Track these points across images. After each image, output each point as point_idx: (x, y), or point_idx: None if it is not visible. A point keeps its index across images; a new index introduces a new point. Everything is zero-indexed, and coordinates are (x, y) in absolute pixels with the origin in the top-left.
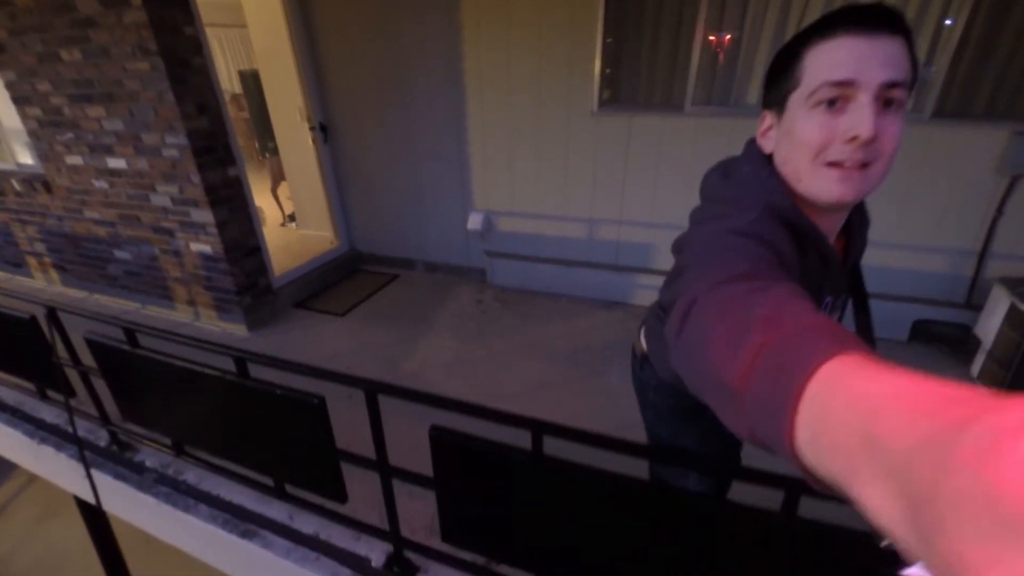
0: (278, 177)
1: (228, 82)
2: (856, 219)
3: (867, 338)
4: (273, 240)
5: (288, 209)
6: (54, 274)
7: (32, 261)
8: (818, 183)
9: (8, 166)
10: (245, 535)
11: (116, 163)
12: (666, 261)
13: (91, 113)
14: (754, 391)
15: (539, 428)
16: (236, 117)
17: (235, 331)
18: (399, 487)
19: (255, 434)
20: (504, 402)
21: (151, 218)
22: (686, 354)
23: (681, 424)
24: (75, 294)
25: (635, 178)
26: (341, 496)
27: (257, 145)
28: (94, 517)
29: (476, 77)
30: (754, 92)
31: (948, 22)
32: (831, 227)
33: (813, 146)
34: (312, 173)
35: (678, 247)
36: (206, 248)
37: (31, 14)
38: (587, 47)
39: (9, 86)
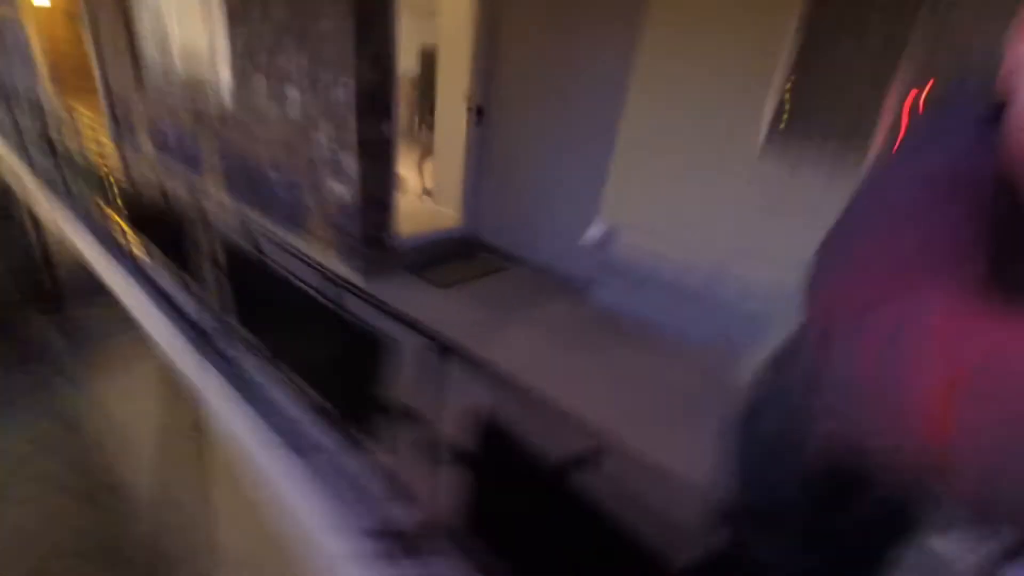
0: (427, 152)
1: (409, 62)
2: None
3: None
4: (405, 207)
5: (429, 184)
6: (221, 182)
7: (207, 169)
8: None
9: (207, 78)
10: (297, 452)
11: (292, 94)
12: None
13: (285, 44)
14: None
15: (601, 445)
16: (407, 95)
17: (351, 276)
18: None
19: (329, 358)
20: None
21: (308, 150)
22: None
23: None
24: (232, 205)
25: (785, 223)
26: (385, 444)
27: (416, 118)
28: (183, 395)
29: (642, 83)
30: None
31: None
32: None
33: None
34: (458, 153)
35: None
36: (345, 193)
37: None
38: (768, 73)
39: (228, 7)
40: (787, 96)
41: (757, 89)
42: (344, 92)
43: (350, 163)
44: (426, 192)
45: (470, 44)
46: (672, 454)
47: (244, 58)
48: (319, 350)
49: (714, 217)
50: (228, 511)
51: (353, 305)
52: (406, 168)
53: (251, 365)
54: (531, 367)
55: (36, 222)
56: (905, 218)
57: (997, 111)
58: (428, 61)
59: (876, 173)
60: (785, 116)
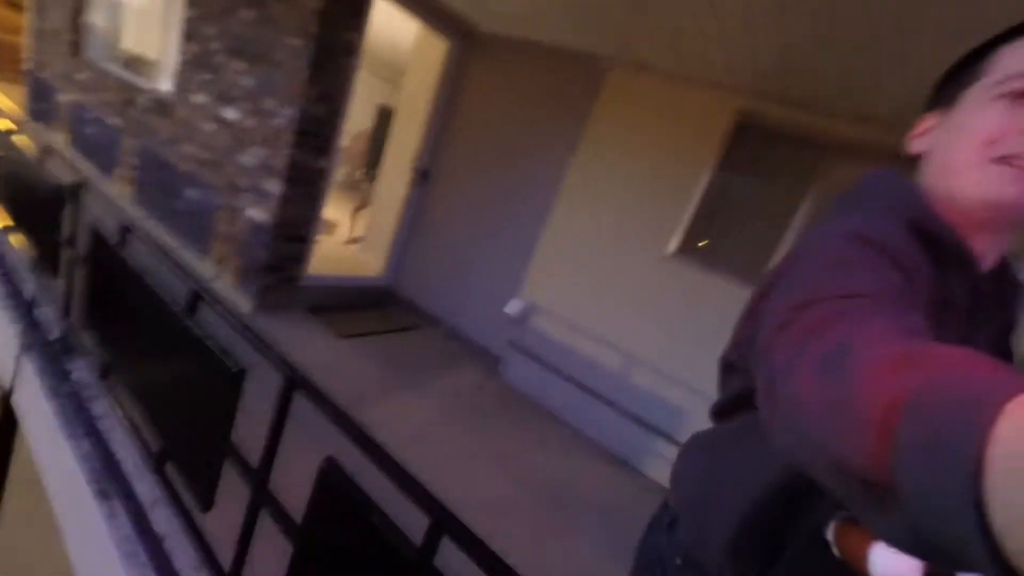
0: (364, 202)
1: (366, 119)
2: (1009, 277)
3: None
4: (329, 250)
5: (359, 232)
6: (129, 188)
7: (121, 171)
8: (979, 178)
9: (148, 84)
10: (100, 495)
11: (230, 114)
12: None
13: (235, 65)
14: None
15: (443, 521)
16: (359, 148)
17: (241, 304)
18: (267, 544)
19: (170, 385)
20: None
21: (232, 171)
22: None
23: None
24: (136, 213)
25: (692, 337)
26: (208, 497)
27: (363, 169)
28: (4, 403)
29: (576, 179)
30: None
31: None
32: (982, 252)
33: (983, 136)
34: (394, 207)
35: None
36: (260, 216)
37: None
38: (689, 188)
39: (187, 21)
40: (699, 215)
41: (677, 204)
42: (286, 119)
43: (273, 188)
44: (353, 240)
45: (426, 112)
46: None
47: (189, 73)
48: (163, 373)
49: (623, 316)
50: None
51: (214, 326)
52: (341, 214)
53: (86, 383)
54: (417, 436)
55: None
56: (838, 264)
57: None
58: (384, 118)
59: (810, 233)
60: (691, 239)
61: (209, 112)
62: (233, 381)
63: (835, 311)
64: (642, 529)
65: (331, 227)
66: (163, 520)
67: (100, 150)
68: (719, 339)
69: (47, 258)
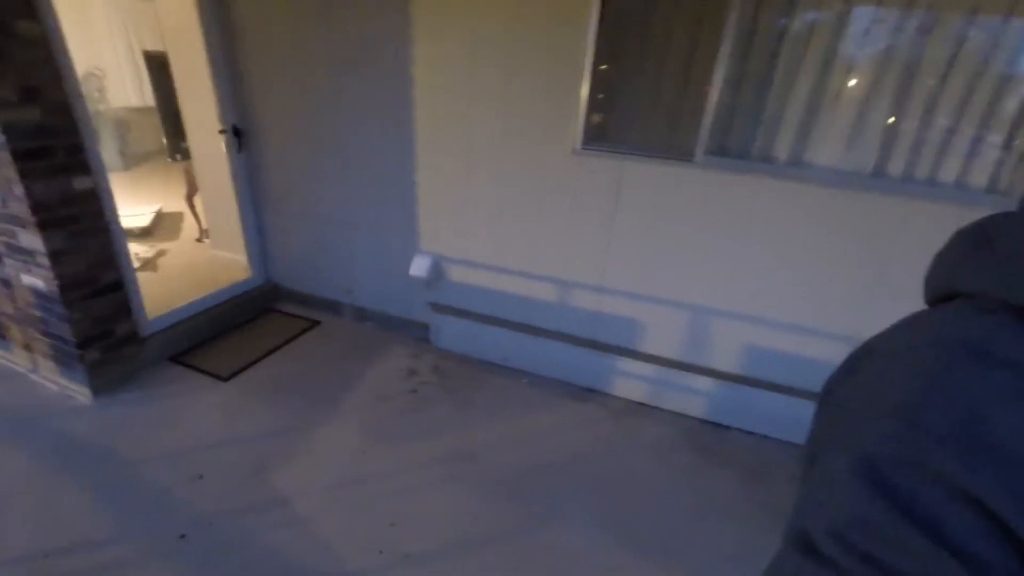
0: (193, 187)
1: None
2: None
3: None
4: (180, 258)
5: (206, 224)
6: None
7: None
8: None
9: None
10: None
11: None
12: (654, 343)
13: None
14: None
15: None
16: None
17: (77, 394)
18: None
19: None
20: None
21: None
22: None
23: None
24: None
25: (623, 238)
26: None
27: (167, 144)
28: None
29: (426, 86)
30: (784, 144)
31: None
32: None
33: None
34: (225, 184)
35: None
36: (39, 283)
37: None
38: (572, 66)
39: None
40: (594, 105)
41: (562, 84)
42: None
43: (34, 243)
44: (204, 235)
45: (205, 50)
46: None
47: None
48: None
49: (539, 238)
50: None
51: None
52: (176, 205)
53: None
54: (341, 490)
55: None
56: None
57: None
58: (158, 71)
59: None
60: (595, 125)
61: None
62: None
63: None
64: None
65: (178, 228)
66: None
67: None
68: (658, 229)
69: None
